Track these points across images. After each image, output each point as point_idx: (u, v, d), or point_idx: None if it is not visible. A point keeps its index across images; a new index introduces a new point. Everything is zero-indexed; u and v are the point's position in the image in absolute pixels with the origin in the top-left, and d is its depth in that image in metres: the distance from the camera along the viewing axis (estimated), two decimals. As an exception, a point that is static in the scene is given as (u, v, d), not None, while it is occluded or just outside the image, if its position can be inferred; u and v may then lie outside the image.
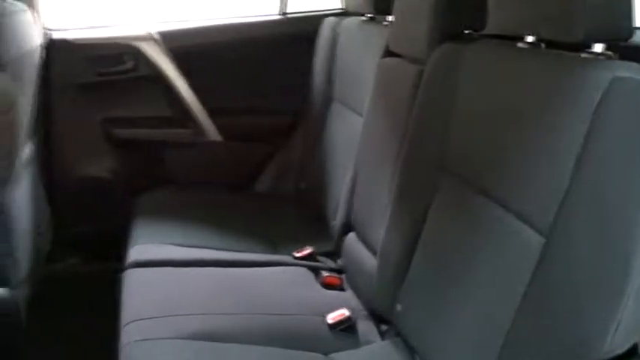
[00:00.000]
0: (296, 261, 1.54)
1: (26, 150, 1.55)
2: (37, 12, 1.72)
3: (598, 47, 0.86)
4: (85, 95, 1.89)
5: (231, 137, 2.05)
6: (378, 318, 1.31)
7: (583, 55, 0.87)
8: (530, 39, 0.99)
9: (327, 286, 1.44)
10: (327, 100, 1.86)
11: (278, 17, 2.08)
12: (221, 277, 1.41)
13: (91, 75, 1.88)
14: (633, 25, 0.85)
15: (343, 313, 1.27)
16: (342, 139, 1.72)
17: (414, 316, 1.15)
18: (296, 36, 2.02)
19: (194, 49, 1.97)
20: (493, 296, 0.93)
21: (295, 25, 2.07)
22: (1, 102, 0.82)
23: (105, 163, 1.95)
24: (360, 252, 1.42)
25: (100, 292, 1.42)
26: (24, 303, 1.43)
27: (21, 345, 1.41)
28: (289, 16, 2.08)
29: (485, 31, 1.08)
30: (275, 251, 1.62)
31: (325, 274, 1.46)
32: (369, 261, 1.35)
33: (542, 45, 0.99)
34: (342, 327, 1.25)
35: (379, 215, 1.30)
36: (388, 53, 1.41)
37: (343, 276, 1.49)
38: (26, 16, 1.50)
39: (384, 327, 1.30)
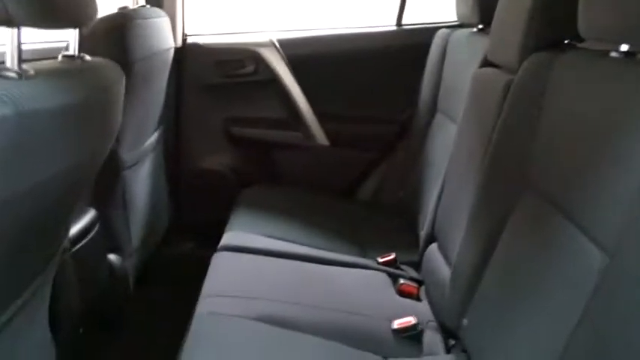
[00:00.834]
0: (378, 266, 1.56)
1: (152, 138, 1.76)
2: (176, 18, 1.95)
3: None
4: (211, 95, 2.09)
5: (338, 143, 2.12)
6: (448, 331, 1.27)
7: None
8: (624, 48, 0.92)
9: (403, 293, 1.43)
10: (432, 111, 1.85)
11: (393, 29, 2.11)
12: (301, 271, 1.47)
13: (217, 77, 2.07)
14: None
15: (410, 320, 1.27)
16: (441, 150, 1.70)
17: (478, 333, 1.11)
18: (410, 47, 2.04)
19: (310, 57, 2.08)
20: (550, 319, 0.88)
21: (410, 37, 2.09)
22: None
23: (222, 157, 2.13)
24: (438, 263, 1.40)
25: (202, 274, 1.56)
26: (133, 272, 1.62)
27: (124, 308, 1.60)
28: (405, 27, 2.11)
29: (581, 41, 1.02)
30: (363, 255, 1.65)
31: (402, 281, 1.46)
32: (445, 272, 1.32)
33: (639, 55, 0.91)
34: (406, 334, 1.25)
35: (460, 227, 1.27)
36: (486, 63, 1.38)
37: (423, 287, 1.48)
38: (162, 22, 1.72)
39: (452, 341, 1.26)
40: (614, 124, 0.83)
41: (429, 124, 1.86)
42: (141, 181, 1.68)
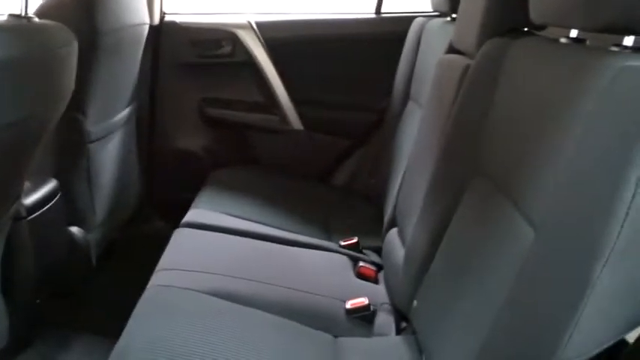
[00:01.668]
0: (339, 249, 1.57)
1: (123, 114, 1.76)
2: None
3: (629, 40, 0.78)
4: (187, 74, 2.08)
5: (314, 128, 2.12)
6: (400, 314, 1.29)
7: (613, 48, 0.80)
8: (573, 34, 0.93)
9: (362, 276, 1.44)
10: (405, 98, 1.86)
11: (372, 16, 2.11)
12: (262, 249, 1.48)
13: (194, 56, 2.07)
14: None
15: (363, 301, 1.28)
16: (410, 137, 1.71)
17: (425, 314, 1.12)
18: (388, 36, 2.04)
19: (288, 41, 2.07)
20: (483, 299, 0.89)
21: (388, 25, 2.09)
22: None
23: (196, 138, 2.13)
24: (396, 247, 1.41)
25: None
26: (96, 246, 1.62)
27: (86, 282, 1.60)
28: (384, 15, 2.11)
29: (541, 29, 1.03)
30: (327, 239, 1.66)
31: (362, 264, 1.47)
32: (401, 256, 1.33)
33: (588, 41, 0.92)
34: (359, 314, 1.26)
35: (417, 211, 1.28)
36: (451, 50, 1.38)
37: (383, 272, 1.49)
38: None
39: (404, 324, 1.28)
40: (551, 108, 0.84)
41: (401, 112, 1.87)
42: (108, 156, 1.67)
